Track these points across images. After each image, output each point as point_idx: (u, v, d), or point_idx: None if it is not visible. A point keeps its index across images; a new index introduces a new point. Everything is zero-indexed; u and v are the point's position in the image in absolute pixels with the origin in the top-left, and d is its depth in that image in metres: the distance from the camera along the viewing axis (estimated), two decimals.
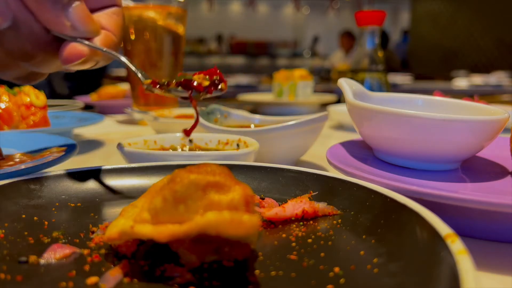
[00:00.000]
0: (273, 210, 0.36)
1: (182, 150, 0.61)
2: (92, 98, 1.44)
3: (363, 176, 0.41)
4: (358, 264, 0.28)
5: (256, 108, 1.46)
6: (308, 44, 8.96)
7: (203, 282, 0.26)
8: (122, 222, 0.30)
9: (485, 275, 0.33)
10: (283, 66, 6.07)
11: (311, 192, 0.40)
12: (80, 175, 0.43)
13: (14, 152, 0.58)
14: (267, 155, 0.63)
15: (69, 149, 0.54)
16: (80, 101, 1.32)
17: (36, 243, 0.31)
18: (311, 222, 0.36)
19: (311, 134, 0.65)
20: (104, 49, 0.40)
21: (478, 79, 3.55)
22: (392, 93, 0.64)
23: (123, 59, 0.43)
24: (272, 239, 0.33)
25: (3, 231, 0.33)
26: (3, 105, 0.75)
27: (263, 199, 0.39)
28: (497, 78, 3.64)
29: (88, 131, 1.00)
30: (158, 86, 0.44)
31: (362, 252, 0.29)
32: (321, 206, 0.37)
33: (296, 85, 1.47)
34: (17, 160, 0.55)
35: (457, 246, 0.24)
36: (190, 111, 0.98)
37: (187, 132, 0.59)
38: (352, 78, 0.66)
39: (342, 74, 2.60)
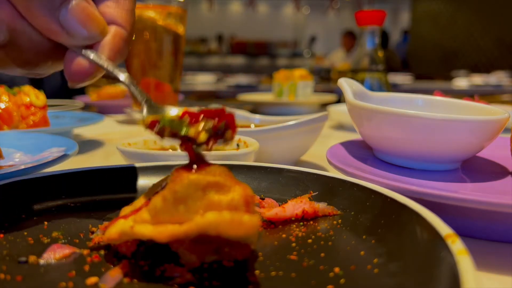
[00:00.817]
0: (273, 210, 0.36)
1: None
2: (92, 98, 1.44)
3: (363, 176, 0.41)
4: (358, 264, 0.28)
5: (256, 108, 1.46)
6: (308, 44, 8.96)
7: (203, 282, 0.26)
8: (122, 222, 0.30)
9: (485, 275, 0.33)
10: (283, 66, 6.07)
11: (311, 192, 0.40)
12: (80, 175, 0.43)
13: (14, 152, 0.58)
14: (267, 155, 0.62)
15: (69, 149, 0.54)
16: (80, 101, 1.32)
17: (35, 243, 0.31)
18: (311, 222, 0.36)
19: (311, 134, 0.65)
20: (111, 69, 0.35)
21: (478, 79, 3.55)
22: (392, 93, 0.64)
23: (132, 88, 0.38)
24: (272, 239, 0.33)
25: (3, 231, 0.33)
26: (3, 105, 0.75)
27: (263, 199, 0.39)
28: (497, 78, 3.64)
29: (88, 131, 1.00)
30: (154, 129, 0.34)
31: (362, 252, 0.29)
32: (321, 206, 0.37)
33: (296, 85, 1.47)
34: (17, 160, 0.55)
35: (457, 246, 0.24)
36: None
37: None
38: (352, 78, 0.66)
39: (342, 74, 2.60)
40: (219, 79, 3.64)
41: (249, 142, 0.57)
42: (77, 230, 0.34)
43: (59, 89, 1.54)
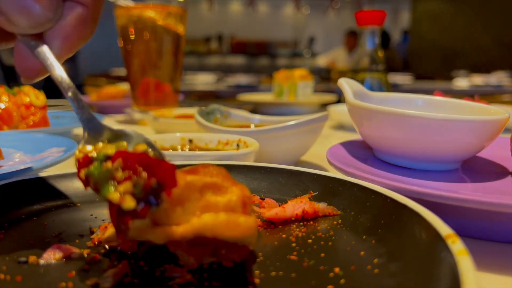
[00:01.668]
0: (273, 210, 0.36)
1: (182, 150, 0.61)
2: (91, 98, 1.44)
3: (363, 176, 0.41)
4: (358, 265, 0.28)
5: (256, 108, 1.46)
6: (308, 44, 8.96)
7: (203, 282, 0.26)
8: None
9: (485, 275, 0.33)
10: (283, 66, 6.07)
11: (311, 192, 0.40)
12: None
13: (14, 152, 0.58)
14: (267, 155, 0.62)
15: (69, 149, 0.54)
16: None
17: (35, 243, 0.31)
18: (311, 222, 0.36)
19: (311, 134, 0.65)
20: (55, 73, 0.30)
21: (478, 79, 3.55)
22: (392, 93, 0.64)
23: (72, 103, 0.32)
24: (272, 239, 0.33)
25: (3, 231, 0.33)
26: (2, 105, 0.75)
27: (263, 199, 0.39)
28: (497, 78, 3.64)
29: None
30: (80, 172, 0.28)
31: (362, 253, 0.29)
32: (321, 207, 0.37)
33: (296, 85, 1.47)
34: (17, 160, 0.55)
35: (457, 246, 0.24)
36: (191, 111, 0.98)
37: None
38: (352, 78, 0.66)
39: (343, 74, 2.60)
40: (219, 79, 3.64)
41: (249, 142, 0.57)
42: (77, 230, 0.34)
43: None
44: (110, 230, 0.31)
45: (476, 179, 0.49)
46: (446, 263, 0.23)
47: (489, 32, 6.15)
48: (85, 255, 0.30)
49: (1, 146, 0.56)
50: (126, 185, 0.25)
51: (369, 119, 0.52)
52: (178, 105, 1.13)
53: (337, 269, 0.27)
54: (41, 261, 0.29)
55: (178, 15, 1.03)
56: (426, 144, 0.47)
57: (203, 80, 3.44)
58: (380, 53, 1.13)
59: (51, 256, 0.29)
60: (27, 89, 0.80)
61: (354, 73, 1.14)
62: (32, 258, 0.29)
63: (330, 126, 1.12)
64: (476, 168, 0.53)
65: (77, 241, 0.32)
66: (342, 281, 0.26)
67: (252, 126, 0.75)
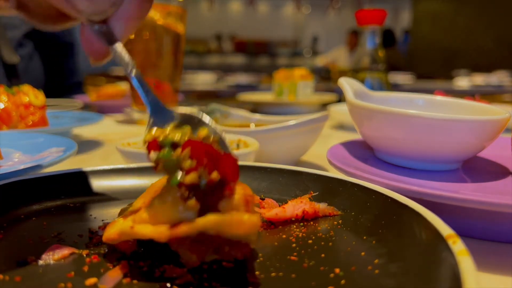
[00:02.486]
0: (273, 210, 0.36)
1: None
2: (91, 98, 1.44)
3: (363, 176, 0.41)
4: (358, 265, 0.28)
5: (256, 108, 1.46)
6: (308, 43, 8.96)
7: (202, 283, 0.26)
8: (121, 222, 0.30)
9: (485, 275, 0.33)
10: (283, 65, 6.06)
11: (312, 192, 0.40)
12: (79, 175, 0.43)
13: (13, 152, 0.58)
14: (267, 155, 0.62)
15: (68, 149, 0.54)
16: (79, 101, 1.32)
17: (35, 244, 0.31)
18: (312, 222, 0.36)
19: (311, 134, 0.64)
20: (121, 57, 0.33)
21: (479, 79, 3.55)
22: (393, 93, 0.64)
23: (140, 91, 0.34)
24: (272, 240, 0.33)
25: (2, 231, 0.32)
26: (1, 105, 0.75)
27: (263, 199, 0.39)
28: (498, 77, 3.63)
29: (87, 131, 1.00)
30: (151, 155, 0.29)
31: (362, 253, 0.29)
32: (322, 207, 0.37)
33: (296, 84, 1.46)
34: (16, 160, 0.55)
35: (458, 246, 0.24)
36: (191, 110, 0.98)
37: None
38: (352, 77, 0.66)
39: (343, 73, 2.60)
40: (219, 78, 3.64)
41: (249, 142, 0.57)
42: (76, 230, 0.34)
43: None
44: (110, 231, 0.30)
45: (477, 179, 0.49)
46: (447, 264, 0.23)
47: (490, 32, 6.15)
48: (84, 255, 0.30)
49: (0, 146, 0.56)
50: (192, 176, 0.26)
51: (369, 119, 0.52)
52: (178, 105, 1.13)
53: (337, 270, 0.27)
54: (40, 262, 0.28)
55: (178, 14, 1.03)
56: (426, 144, 0.47)
57: (203, 80, 3.44)
58: (381, 53, 1.13)
59: (50, 256, 0.29)
60: (26, 89, 0.80)
61: (354, 72, 1.14)
62: (31, 259, 0.28)
63: (330, 126, 1.12)
64: (476, 168, 0.53)
65: (76, 241, 0.32)
66: (343, 281, 0.26)
67: (252, 126, 0.75)
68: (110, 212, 0.39)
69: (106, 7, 0.31)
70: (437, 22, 7.02)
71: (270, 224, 0.36)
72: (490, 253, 0.36)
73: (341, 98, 1.51)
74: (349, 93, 0.56)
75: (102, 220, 0.36)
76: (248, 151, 0.51)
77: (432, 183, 0.45)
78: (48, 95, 0.85)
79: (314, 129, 0.64)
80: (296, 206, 0.36)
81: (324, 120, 0.64)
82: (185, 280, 0.26)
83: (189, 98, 2.19)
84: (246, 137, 0.59)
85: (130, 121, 1.16)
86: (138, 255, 0.30)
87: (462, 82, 3.44)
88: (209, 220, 0.25)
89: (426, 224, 0.28)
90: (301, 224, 0.36)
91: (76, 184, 0.42)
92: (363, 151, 0.57)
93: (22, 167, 0.44)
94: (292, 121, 0.61)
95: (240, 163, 0.46)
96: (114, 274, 0.27)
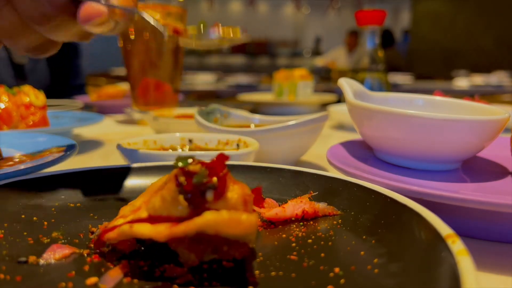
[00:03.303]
0: (273, 210, 0.36)
1: (182, 150, 0.61)
2: (91, 98, 1.44)
3: (363, 176, 0.41)
4: (358, 265, 0.28)
5: (256, 108, 1.46)
6: (308, 43, 8.96)
7: (202, 282, 0.26)
8: (121, 222, 0.30)
9: (485, 275, 0.33)
10: (283, 66, 6.06)
11: (311, 192, 0.40)
12: (79, 175, 0.43)
13: (13, 153, 0.58)
14: (267, 155, 0.62)
15: (69, 149, 0.54)
16: (80, 101, 1.32)
17: (35, 243, 0.31)
18: (311, 222, 0.36)
19: (311, 134, 0.64)
20: (122, 7, 0.38)
21: (478, 79, 3.55)
22: (392, 93, 0.64)
23: (144, 14, 0.41)
24: (272, 239, 0.33)
25: (3, 231, 0.33)
26: (2, 105, 0.75)
27: (263, 199, 0.39)
28: (497, 78, 3.63)
29: (87, 131, 1.00)
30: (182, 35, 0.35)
31: (362, 253, 0.29)
32: (321, 207, 0.37)
33: (296, 85, 1.46)
34: (17, 160, 0.55)
35: (457, 246, 0.24)
36: (191, 111, 0.98)
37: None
38: (352, 77, 0.66)
39: (343, 73, 2.60)
40: (219, 78, 3.64)
41: (249, 142, 0.57)
42: (77, 230, 0.34)
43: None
44: (109, 230, 0.30)
45: (476, 179, 0.49)
46: (446, 263, 0.23)
47: (489, 32, 6.15)
48: (85, 255, 0.30)
49: (1, 146, 0.56)
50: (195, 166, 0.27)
51: (369, 119, 0.52)
52: (178, 105, 1.13)
53: (337, 269, 0.27)
54: (41, 261, 0.29)
55: (178, 14, 1.03)
56: (426, 144, 0.47)
57: (203, 80, 3.44)
58: (380, 53, 1.13)
59: (51, 256, 0.29)
60: (27, 89, 0.80)
61: (354, 73, 1.14)
62: (31, 258, 0.28)
63: (330, 126, 1.12)
64: (476, 168, 0.53)
65: (76, 241, 0.32)
66: (342, 281, 0.26)
67: (252, 126, 0.75)
68: (110, 212, 0.39)
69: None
70: (436, 22, 7.02)
71: (270, 224, 0.36)
72: (490, 253, 0.36)
73: (341, 98, 1.51)
74: (348, 93, 0.56)
75: (103, 220, 0.37)
76: (248, 151, 0.51)
77: (432, 183, 0.46)
78: (53, 96, 0.85)
79: (314, 129, 0.64)
80: (296, 206, 0.36)
81: (324, 120, 0.64)
82: (185, 280, 0.26)
83: (189, 98, 2.19)
84: (246, 137, 0.59)
85: (130, 121, 1.16)
86: (138, 255, 0.30)
87: (462, 82, 3.44)
88: (207, 220, 0.25)
89: (426, 224, 0.28)
90: (301, 223, 0.36)
91: (76, 184, 0.42)
92: (363, 151, 0.57)
93: (22, 167, 0.44)
94: (292, 121, 0.61)
95: (240, 163, 0.46)
96: (115, 273, 0.27)
